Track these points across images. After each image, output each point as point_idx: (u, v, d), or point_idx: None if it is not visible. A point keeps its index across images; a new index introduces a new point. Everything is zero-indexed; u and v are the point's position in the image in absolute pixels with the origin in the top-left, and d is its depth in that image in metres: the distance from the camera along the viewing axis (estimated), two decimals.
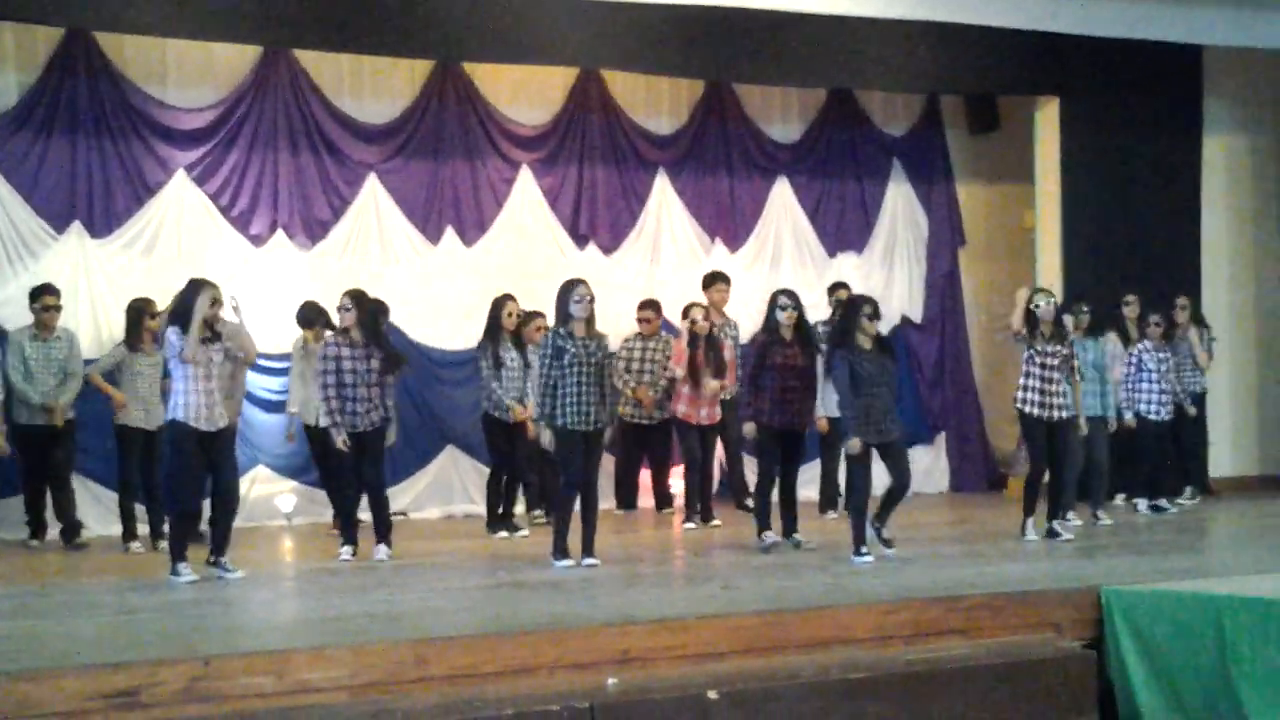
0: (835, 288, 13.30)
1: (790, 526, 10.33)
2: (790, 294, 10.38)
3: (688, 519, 12.07)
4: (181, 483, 9.21)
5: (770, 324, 10.28)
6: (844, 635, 7.30)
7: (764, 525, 10.26)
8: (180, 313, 9.08)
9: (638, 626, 6.98)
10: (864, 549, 9.57)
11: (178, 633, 7.11)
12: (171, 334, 9.02)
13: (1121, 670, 7.54)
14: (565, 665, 6.70)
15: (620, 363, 12.54)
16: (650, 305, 13.04)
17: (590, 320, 9.55)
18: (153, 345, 10.95)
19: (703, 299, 12.72)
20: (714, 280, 12.96)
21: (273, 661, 6.32)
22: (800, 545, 10.19)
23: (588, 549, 9.42)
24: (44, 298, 11.14)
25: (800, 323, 10.25)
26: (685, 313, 12.22)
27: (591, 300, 9.51)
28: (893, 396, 9.92)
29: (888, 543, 9.66)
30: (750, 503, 11.25)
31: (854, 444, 9.66)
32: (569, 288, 9.57)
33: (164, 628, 7.31)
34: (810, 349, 10.29)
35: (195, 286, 9.11)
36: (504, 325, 11.59)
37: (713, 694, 6.48)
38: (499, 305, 11.68)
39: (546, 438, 9.49)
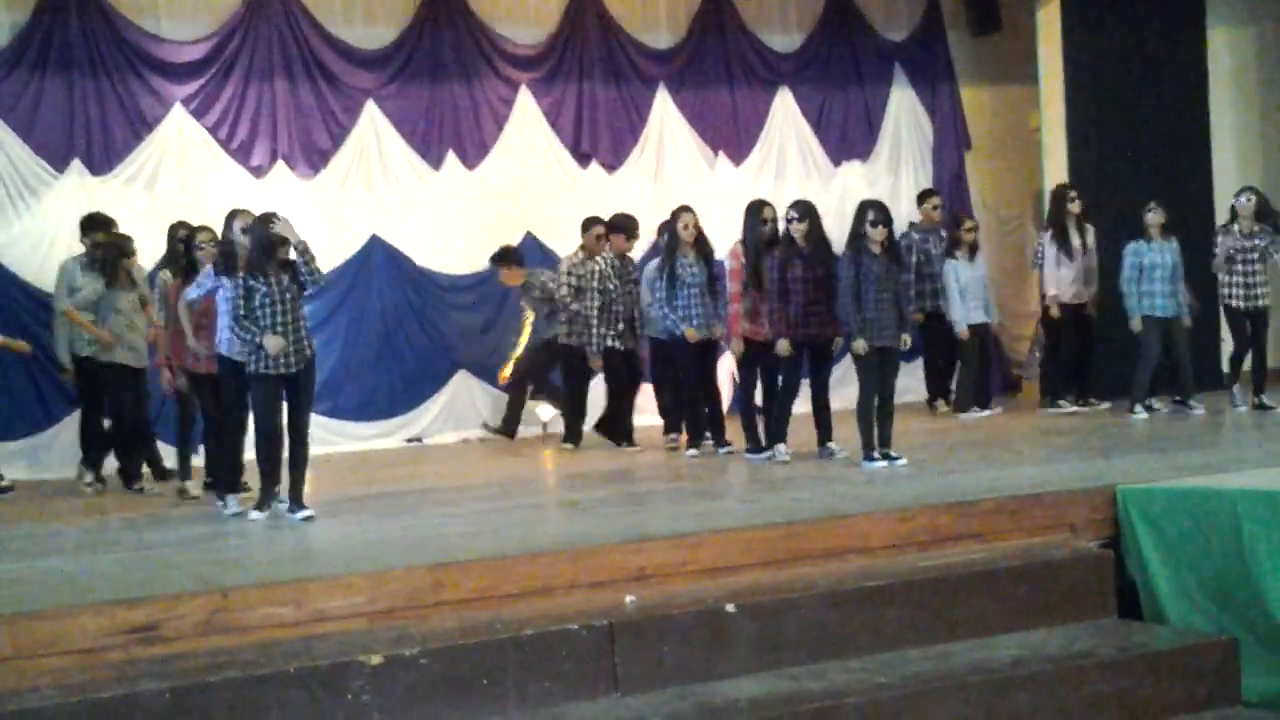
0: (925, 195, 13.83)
1: (825, 435, 10.33)
2: (800, 204, 10.26)
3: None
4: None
5: (786, 236, 10.18)
6: (860, 544, 7.30)
7: (779, 439, 10.26)
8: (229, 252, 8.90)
9: (653, 543, 6.98)
10: (874, 454, 9.60)
11: (195, 566, 7.12)
12: (225, 281, 8.84)
13: (1142, 568, 7.54)
14: (582, 585, 6.71)
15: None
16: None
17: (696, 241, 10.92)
18: (129, 280, 10.83)
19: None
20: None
21: (291, 591, 6.33)
22: (834, 454, 10.18)
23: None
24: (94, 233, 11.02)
25: (813, 232, 10.15)
26: (675, 217, 11.23)
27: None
28: (898, 302, 9.89)
29: (896, 458, 9.64)
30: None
31: (860, 345, 9.66)
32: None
33: (181, 562, 7.32)
34: (828, 259, 10.19)
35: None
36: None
37: (730, 607, 6.48)
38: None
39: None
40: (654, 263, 11.59)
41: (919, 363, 13.84)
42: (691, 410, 11.34)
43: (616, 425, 12.00)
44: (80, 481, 10.81)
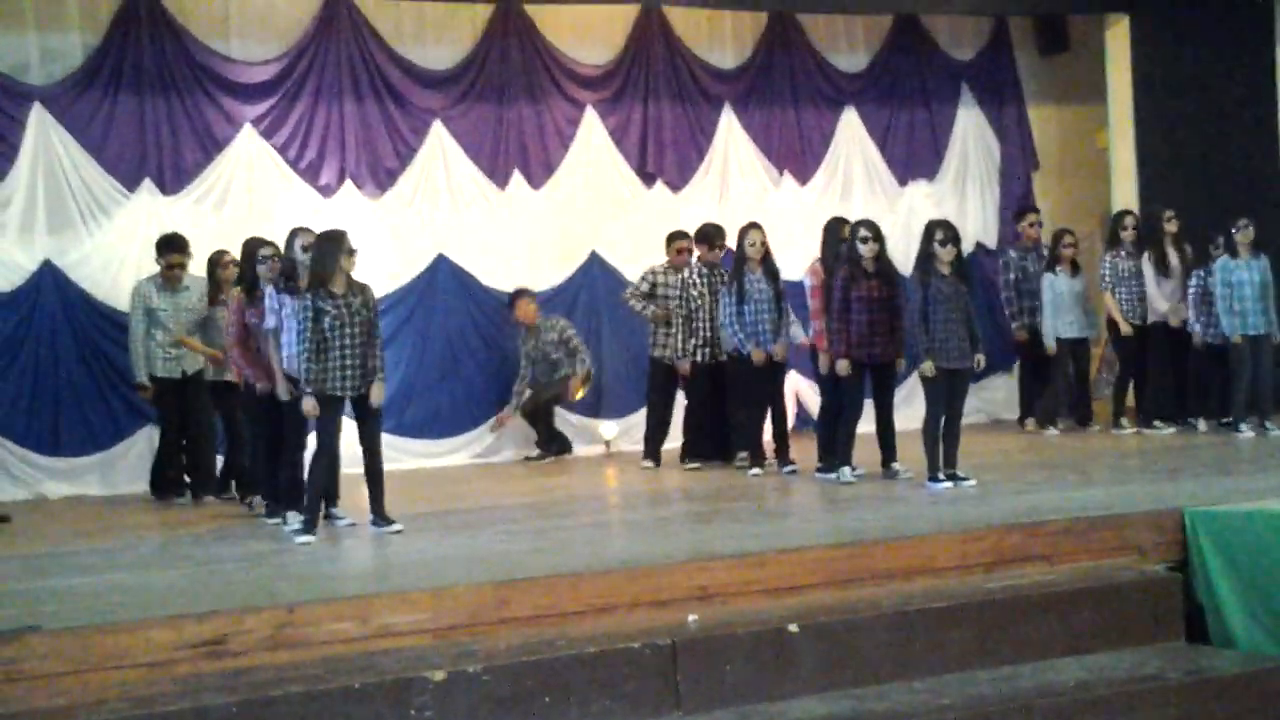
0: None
1: (890, 455, 10.29)
2: (870, 224, 10.21)
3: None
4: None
5: (853, 255, 10.15)
6: (924, 565, 7.26)
7: (845, 461, 10.21)
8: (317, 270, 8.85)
9: (717, 562, 6.97)
10: (939, 475, 9.55)
11: (262, 581, 7.18)
12: (286, 300, 8.97)
13: (1210, 592, 7.46)
14: (645, 603, 6.71)
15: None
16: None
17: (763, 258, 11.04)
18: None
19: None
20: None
21: (356, 607, 6.38)
22: (899, 475, 10.13)
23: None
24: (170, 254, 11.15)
25: (881, 254, 10.11)
26: (743, 235, 11.29)
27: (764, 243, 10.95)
28: (969, 322, 9.83)
29: (963, 478, 9.58)
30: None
31: (927, 367, 9.63)
32: (743, 233, 11.13)
33: (248, 577, 7.38)
34: (892, 280, 10.16)
35: (330, 238, 8.87)
36: (748, 255, 11.11)
37: (793, 627, 6.47)
38: (741, 235, 11.25)
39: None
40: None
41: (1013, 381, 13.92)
42: (755, 429, 11.31)
43: (697, 443, 11.92)
44: (254, 512, 10.11)
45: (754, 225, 11.30)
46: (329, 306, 8.59)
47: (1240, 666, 6.87)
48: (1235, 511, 7.58)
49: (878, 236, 10.09)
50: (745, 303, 10.95)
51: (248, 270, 9.72)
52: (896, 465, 10.22)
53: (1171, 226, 12.82)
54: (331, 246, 8.75)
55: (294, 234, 9.30)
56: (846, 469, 10.16)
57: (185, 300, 11.15)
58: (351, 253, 8.80)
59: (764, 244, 11.14)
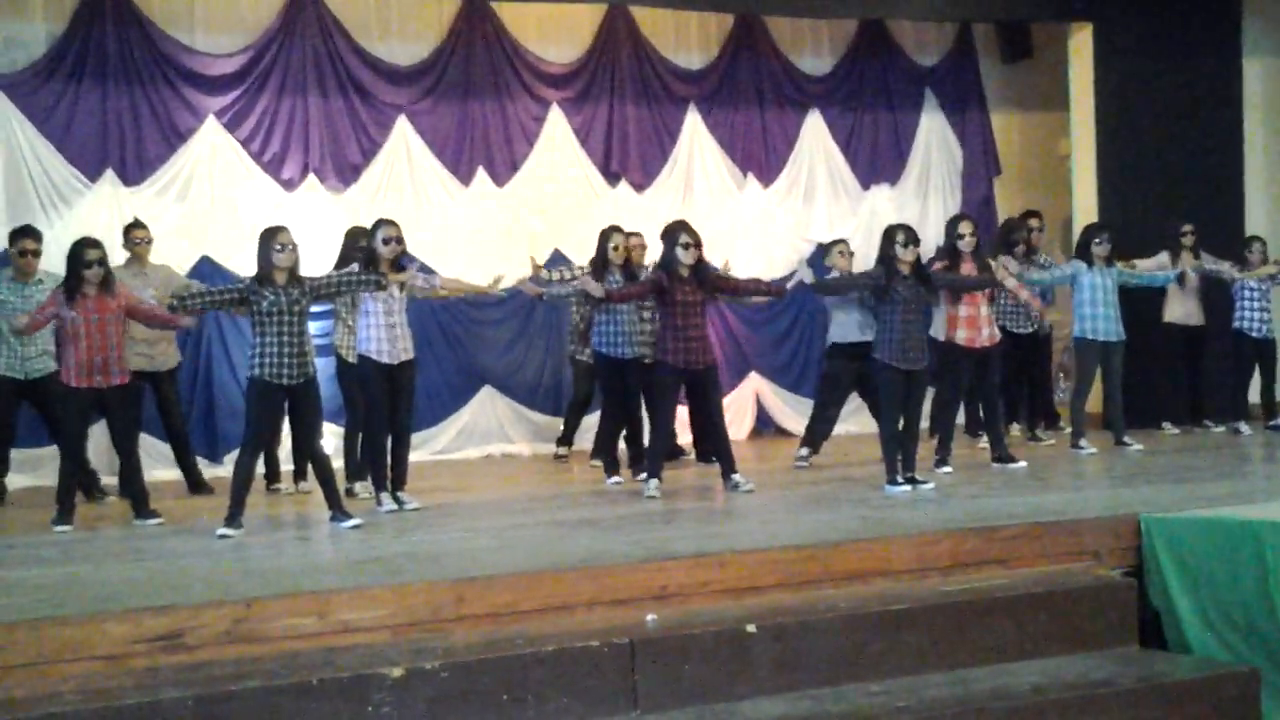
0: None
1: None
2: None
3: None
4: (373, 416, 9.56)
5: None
6: (882, 567, 7.30)
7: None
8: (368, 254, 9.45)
9: (675, 562, 6.99)
10: (897, 478, 9.59)
11: (220, 576, 7.16)
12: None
13: (1165, 597, 7.52)
14: (604, 602, 6.72)
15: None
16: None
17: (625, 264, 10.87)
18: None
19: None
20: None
21: (314, 602, 6.36)
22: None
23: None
24: (22, 241, 10.48)
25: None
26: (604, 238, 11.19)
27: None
28: (925, 326, 9.88)
29: (922, 482, 9.63)
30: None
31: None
32: (604, 236, 11.03)
33: (206, 571, 7.36)
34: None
35: (376, 227, 9.50)
36: (610, 259, 11.10)
37: (751, 627, 6.49)
38: (604, 238, 11.21)
39: None
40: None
41: None
42: (604, 434, 11.36)
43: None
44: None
45: (616, 229, 11.26)
46: (268, 293, 8.69)
47: (1193, 672, 6.93)
48: (1190, 518, 7.65)
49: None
50: (608, 309, 10.85)
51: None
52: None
53: (1187, 240, 13.04)
54: (265, 239, 8.84)
55: (377, 225, 9.57)
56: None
57: (37, 294, 10.30)
58: (283, 247, 8.78)
59: (626, 248, 11.17)
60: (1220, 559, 7.35)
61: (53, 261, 11.75)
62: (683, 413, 11.44)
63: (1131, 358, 11.95)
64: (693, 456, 11.86)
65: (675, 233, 9.91)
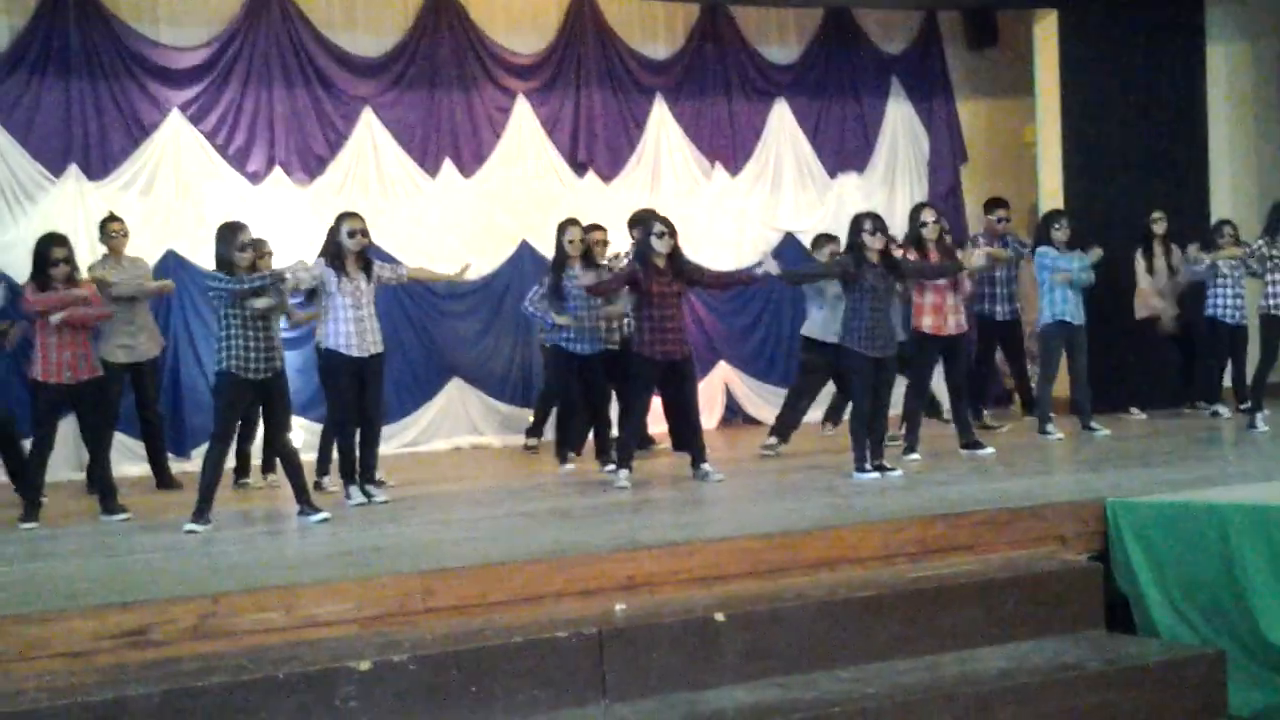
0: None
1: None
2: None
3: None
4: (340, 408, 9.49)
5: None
6: (850, 555, 7.31)
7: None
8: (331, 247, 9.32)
9: (644, 552, 6.99)
10: (866, 466, 9.62)
11: (186, 571, 7.14)
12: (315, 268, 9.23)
13: (1131, 581, 7.55)
14: (572, 593, 6.71)
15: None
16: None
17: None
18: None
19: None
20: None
21: (281, 596, 6.34)
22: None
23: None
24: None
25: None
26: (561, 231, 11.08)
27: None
28: (893, 314, 9.89)
29: (890, 469, 9.65)
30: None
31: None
32: (561, 228, 10.88)
33: (173, 567, 7.33)
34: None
35: (340, 220, 9.36)
36: (567, 252, 10.92)
37: (720, 616, 6.49)
38: (560, 231, 11.06)
39: None
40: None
41: None
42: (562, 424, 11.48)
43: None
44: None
45: (573, 221, 11.14)
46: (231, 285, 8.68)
47: (1159, 655, 6.95)
48: (1155, 503, 7.68)
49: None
50: (565, 299, 10.79)
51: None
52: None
53: (1159, 228, 13.09)
54: (227, 234, 8.81)
55: (341, 218, 9.44)
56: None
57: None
58: (245, 246, 8.78)
59: (584, 240, 10.97)
60: (1185, 543, 7.38)
61: (17, 258, 11.75)
62: (656, 403, 11.43)
63: (1097, 343, 11.99)
64: (666, 446, 11.84)
65: (648, 222, 9.88)
